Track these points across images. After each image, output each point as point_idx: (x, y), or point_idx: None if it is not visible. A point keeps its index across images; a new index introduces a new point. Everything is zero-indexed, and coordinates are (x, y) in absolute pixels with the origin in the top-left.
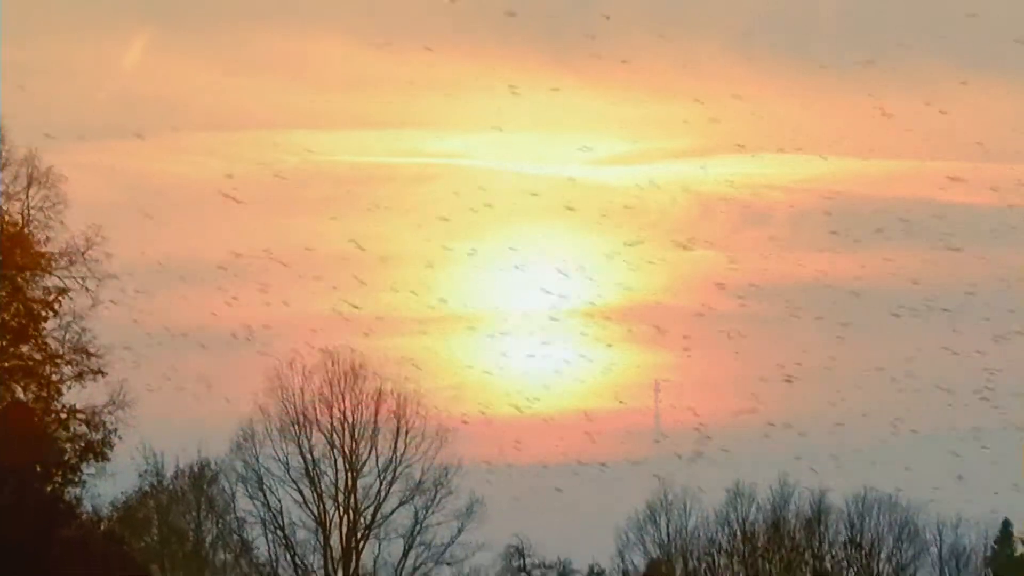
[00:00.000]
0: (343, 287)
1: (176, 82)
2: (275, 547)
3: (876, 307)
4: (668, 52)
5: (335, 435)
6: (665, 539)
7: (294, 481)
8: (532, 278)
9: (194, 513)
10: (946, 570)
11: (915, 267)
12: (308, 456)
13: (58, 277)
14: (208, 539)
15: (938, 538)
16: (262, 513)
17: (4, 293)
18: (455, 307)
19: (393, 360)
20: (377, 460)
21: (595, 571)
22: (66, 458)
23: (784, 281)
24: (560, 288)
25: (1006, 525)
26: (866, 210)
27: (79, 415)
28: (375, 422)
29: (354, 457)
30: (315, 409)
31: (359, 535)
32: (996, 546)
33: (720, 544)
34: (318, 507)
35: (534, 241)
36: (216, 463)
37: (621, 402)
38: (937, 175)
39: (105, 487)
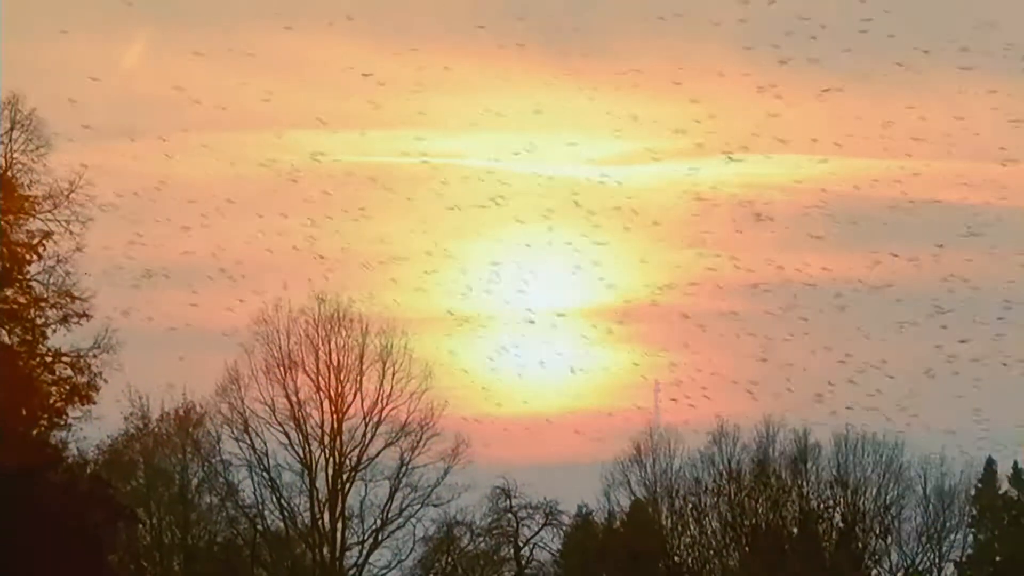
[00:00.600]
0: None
1: (178, 81)
2: (261, 489)
3: (880, 307)
4: (670, 52)
5: (320, 377)
6: (651, 479)
7: (280, 424)
8: (529, 277)
9: (180, 456)
10: (931, 508)
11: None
12: (294, 398)
13: (42, 220)
14: (194, 482)
15: (923, 477)
16: (248, 456)
17: None
18: (455, 306)
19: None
20: (363, 402)
21: (583, 511)
22: (51, 401)
23: (785, 280)
24: (560, 288)
25: (990, 463)
26: (868, 210)
27: (64, 358)
28: (361, 364)
29: (340, 399)
30: (301, 351)
31: (345, 477)
32: (980, 484)
33: (706, 484)
34: (304, 449)
35: (533, 241)
36: (201, 406)
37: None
38: (945, 175)
39: (91, 430)
